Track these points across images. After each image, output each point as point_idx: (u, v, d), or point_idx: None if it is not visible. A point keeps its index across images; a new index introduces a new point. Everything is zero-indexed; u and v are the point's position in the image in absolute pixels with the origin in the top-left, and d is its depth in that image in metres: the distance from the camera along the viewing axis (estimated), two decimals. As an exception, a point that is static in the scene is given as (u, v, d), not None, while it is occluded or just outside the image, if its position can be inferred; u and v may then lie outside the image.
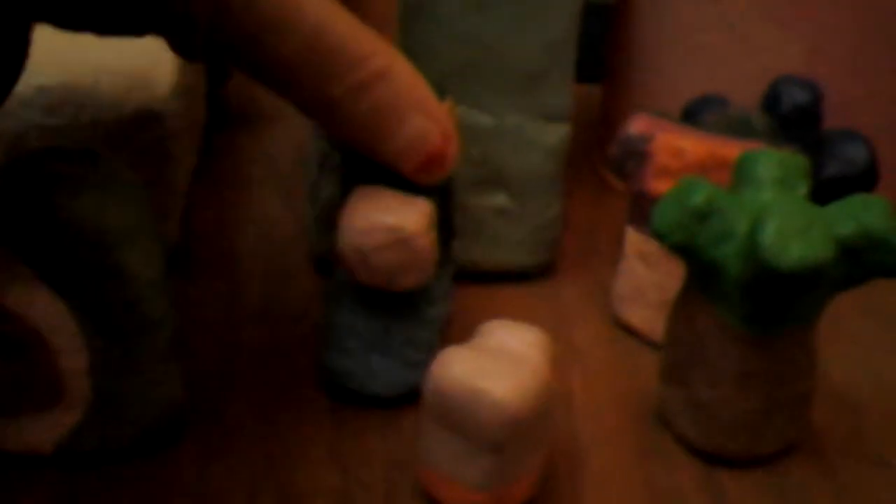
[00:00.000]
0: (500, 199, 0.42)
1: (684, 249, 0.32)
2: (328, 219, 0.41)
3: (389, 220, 0.31)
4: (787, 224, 0.30)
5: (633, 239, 0.39)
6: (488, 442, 0.29)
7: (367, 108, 0.28)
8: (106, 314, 0.30)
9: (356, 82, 0.27)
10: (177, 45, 0.27)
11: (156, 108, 0.38)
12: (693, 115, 0.42)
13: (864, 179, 0.41)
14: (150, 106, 0.38)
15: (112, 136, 0.38)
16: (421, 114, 0.29)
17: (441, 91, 0.33)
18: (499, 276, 0.43)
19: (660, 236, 0.32)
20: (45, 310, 0.30)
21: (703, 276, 0.33)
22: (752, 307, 0.31)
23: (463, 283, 0.42)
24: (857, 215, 0.31)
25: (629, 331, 0.40)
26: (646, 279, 0.39)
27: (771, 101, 0.42)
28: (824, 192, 0.42)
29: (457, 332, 0.39)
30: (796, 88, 0.41)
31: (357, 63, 0.27)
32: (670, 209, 0.32)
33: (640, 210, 0.38)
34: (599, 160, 0.53)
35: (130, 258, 0.30)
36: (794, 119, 0.41)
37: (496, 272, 0.43)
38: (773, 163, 0.33)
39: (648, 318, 0.39)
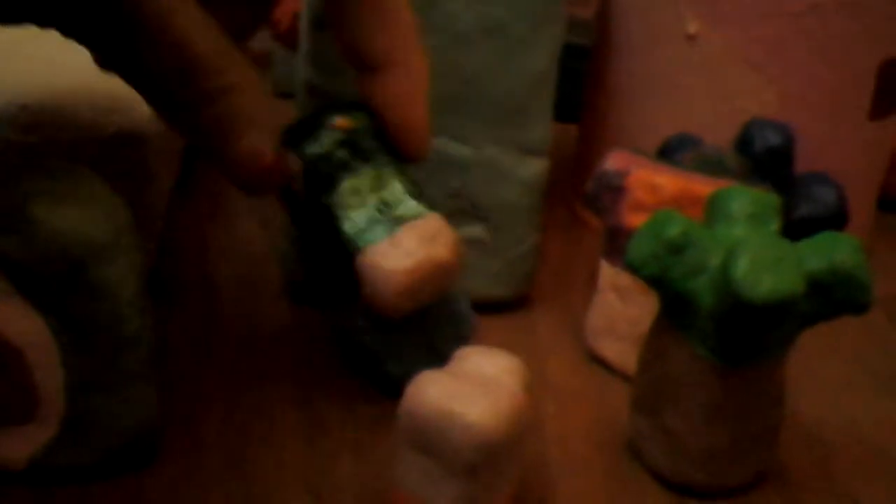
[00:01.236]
0: (476, 231, 0.42)
1: (658, 281, 0.33)
2: (303, 246, 0.41)
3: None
4: (759, 258, 0.31)
5: (608, 273, 0.40)
6: (462, 465, 0.30)
7: (210, 117, 0.30)
8: (84, 330, 0.30)
9: (203, 92, 0.29)
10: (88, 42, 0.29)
11: (136, 131, 0.38)
12: (668, 153, 0.43)
13: (834, 221, 0.42)
14: (131, 128, 0.38)
15: (92, 157, 0.38)
16: (258, 132, 0.31)
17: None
18: (474, 307, 0.43)
19: (634, 268, 0.33)
20: (22, 325, 0.30)
21: (675, 309, 0.33)
22: (724, 339, 0.32)
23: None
24: (826, 251, 0.32)
25: (602, 363, 0.41)
26: (619, 313, 0.40)
27: (744, 142, 0.42)
28: (795, 232, 0.42)
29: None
30: (769, 131, 0.42)
31: (208, 75, 0.29)
32: (645, 241, 0.33)
33: (615, 244, 0.39)
34: (574, 197, 0.53)
35: (109, 275, 0.30)
36: (766, 160, 0.42)
37: (471, 303, 0.43)
38: (746, 199, 0.33)
39: (621, 351, 0.40)
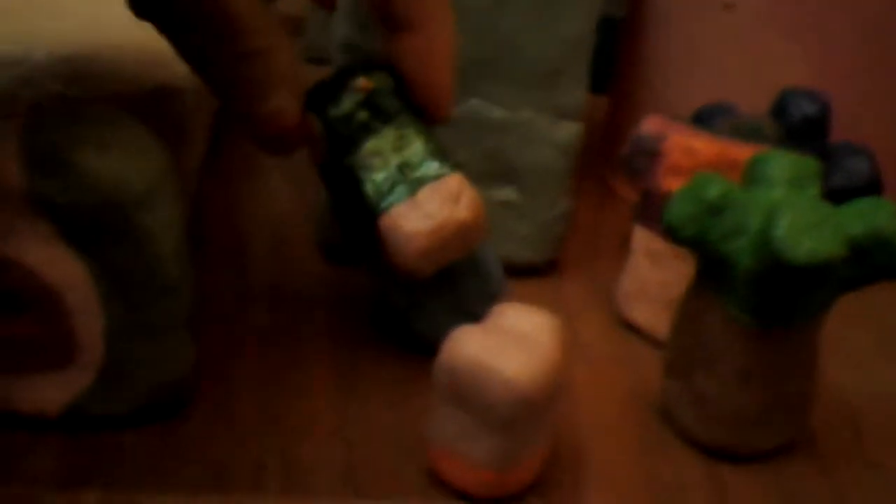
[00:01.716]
0: (508, 193, 0.42)
1: (696, 243, 0.33)
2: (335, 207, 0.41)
3: None
4: (800, 220, 0.31)
5: (641, 236, 0.40)
6: (498, 420, 0.30)
7: (242, 76, 0.31)
8: (124, 276, 0.30)
9: (238, 52, 0.30)
10: None
11: (175, 86, 0.38)
12: (702, 122, 0.43)
13: (867, 191, 0.42)
14: (170, 83, 0.38)
15: (131, 110, 0.38)
16: (284, 93, 0.31)
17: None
18: (504, 270, 0.43)
19: (673, 230, 0.33)
20: (63, 269, 0.30)
21: (713, 271, 0.33)
22: (761, 301, 0.32)
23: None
24: (867, 216, 0.32)
25: (632, 328, 0.41)
26: (651, 277, 0.40)
27: (779, 111, 0.42)
28: (828, 202, 0.42)
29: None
30: (804, 100, 0.42)
31: (244, 35, 0.30)
32: (685, 203, 0.33)
33: (650, 208, 0.39)
34: (605, 167, 0.53)
35: (150, 222, 0.30)
36: (801, 129, 0.42)
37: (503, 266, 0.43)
38: (785, 164, 0.33)
39: (653, 315, 0.40)
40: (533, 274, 0.44)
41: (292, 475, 0.32)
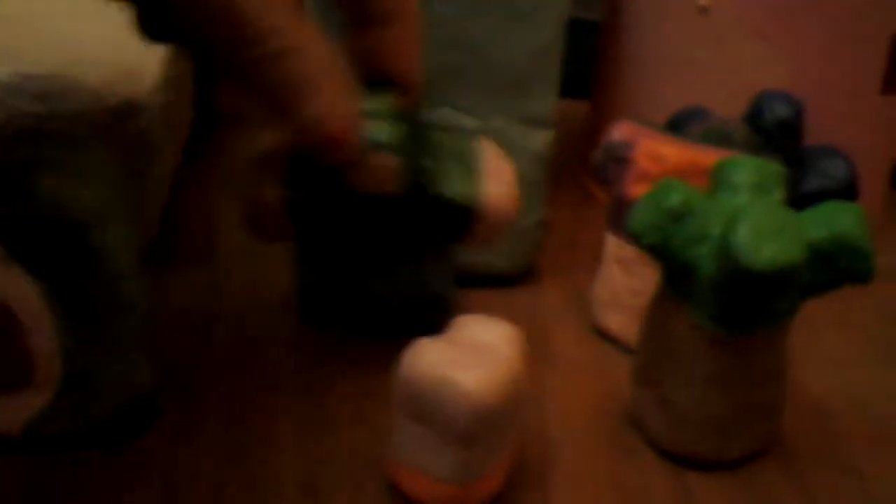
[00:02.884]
0: (481, 203, 0.42)
1: (659, 250, 0.32)
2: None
3: None
4: (761, 226, 0.30)
5: (613, 244, 0.40)
6: (457, 433, 0.29)
7: (272, 81, 0.29)
8: (78, 295, 0.30)
9: (260, 55, 0.28)
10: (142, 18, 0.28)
11: (139, 101, 0.38)
12: (678, 126, 0.43)
13: (844, 194, 0.42)
14: (135, 99, 0.38)
15: (96, 127, 0.38)
16: (324, 98, 0.29)
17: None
18: (479, 280, 0.43)
19: (635, 237, 0.33)
20: (17, 289, 0.30)
21: (676, 278, 0.33)
22: (725, 308, 0.32)
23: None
24: (830, 221, 0.32)
25: (606, 336, 0.40)
26: (623, 284, 0.39)
27: (754, 115, 0.42)
28: (804, 205, 0.42)
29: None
30: (779, 103, 0.42)
31: (259, 38, 0.28)
32: (647, 210, 0.32)
33: (620, 215, 0.39)
34: (584, 172, 0.53)
35: (104, 241, 0.30)
36: (776, 133, 0.42)
37: (476, 276, 0.43)
38: (749, 169, 0.33)
39: (625, 322, 0.39)
40: (510, 283, 0.43)
41: (253, 492, 0.32)
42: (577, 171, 0.54)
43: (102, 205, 0.30)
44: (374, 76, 0.34)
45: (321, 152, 0.31)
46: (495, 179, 0.36)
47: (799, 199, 0.42)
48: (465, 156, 0.36)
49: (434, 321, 0.37)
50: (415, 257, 0.37)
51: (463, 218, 0.35)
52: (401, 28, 0.34)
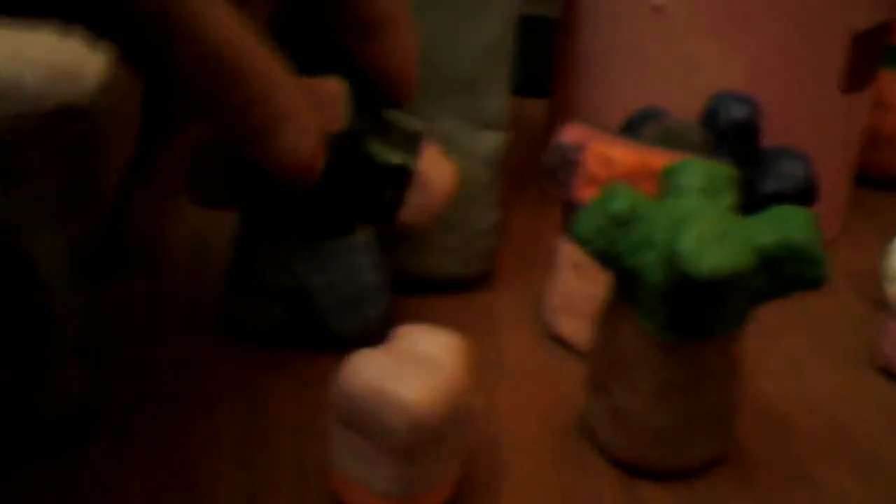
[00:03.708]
0: (433, 207, 0.41)
1: (605, 256, 0.32)
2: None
3: None
4: (706, 231, 0.30)
5: (566, 249, 0.39)
6: (395, 446, 0.29)
7: (245, 122, 0.29)
8: (8, 305, 0.29)
9: (239, 101, 0.29)
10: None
11: (80, 104, 0.37)
12: (633, 128, 0.42)
13: (803, 196, 0.41)
14: (75, 101, 0.37)
15: (35, 130, 0.37)
16: (294, 129, 0.30)
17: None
18: (431, 285, 0.42)
19: (581, 242, 0.32)
20: (-58, 301, 0.29)
21: (624, 284, 0.32)
22: (672, 315, 0.31)
23: (393, 291, 0.42)
24: (779, 226, 0.31)
25: (560, 341, 0.40)
26: (577, 290, 0.39)
27: (709, 116, 0.41)
28: (762, 208, 0.41)
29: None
30: (734, 104, 0.41)
31: (244, 84, 0.28)
32: (592, 215, 0.32)
33: (571, 219, 0.38)
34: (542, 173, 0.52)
35: (33, 250, 0.29)
36: (731, 134, 0.41)
37: (429, 281, 0.42)
38: (698, 172, 0.32)
39: (579, 328, 0.39)
40: (463, 288, 0.43)
41: (193, 503, 0.31)
42: (536, 173, 0.53)
43: (34, 210, 0.29)
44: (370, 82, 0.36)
45: (286, 182, 0.31)
46: (433, 158, 0.37)
47: (756, 202, 0.41)
48: (409, 136, 0.37)
49: (368, 326, 0.37)
50: (346, 229, 0.37)
51: (396, 181, 0.36)
52: (397, 32, 0.34)
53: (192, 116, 0.30)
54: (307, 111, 0.31)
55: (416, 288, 0.42)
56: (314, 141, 0.31)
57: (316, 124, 0.31)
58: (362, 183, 0.36)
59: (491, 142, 0.40)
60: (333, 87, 0.35)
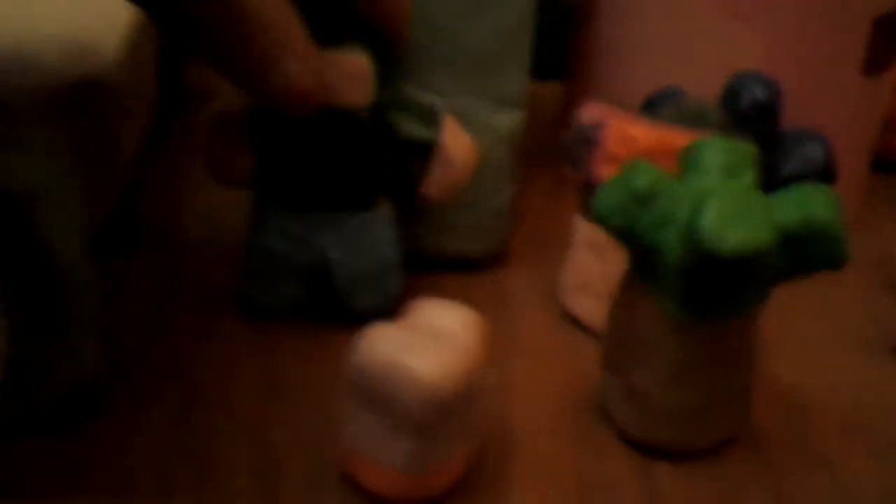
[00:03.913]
0: (449, 184, 0.41)
1: (624, 233, 0.31)
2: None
3: None
4: (728, 209, 0.29)
5: (582, 228, 0.39)
6: (411, 421, 0.28)
7: (251, 54, 0.30)
8: (21, 276, 0.29)
9: (245, 32, 0.30)
10: None
11: (101, 78, 0.37)
12: (653, 107, 0.42)
13: (822, 178, 0.41)
14: (96, 75, 0.37)
15: (56, 103, 0.37)
16: (294, 58, 0.31)
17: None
18: (446, 264, 0.42)
19: (601, 219, 0.32)
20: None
21: (643, 262, 0.32)
22: (692, 294, 0.31)
23: (408, 270, 0.42)
24: (801, 204, 0.31)
25: (575, 321, 0.40)
26: (593, 269, 0.38)
27: (730, 96, 0.41)
28: (780, 190, 0.41)
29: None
30: (756, 85, 0.41)
31: (249, 15, 0.30)
32: (613, 192, 0.31)
33: (590, 198, 0.38)
34: (558, 155, 0.52)
35: (49, 221, 0.29)
36: (752, 115, 0.41)
37: (443, 259, 0.42)
38: (719, 150, 0.32)
39: (595, 308, 0.39)
40: (479, 267, 0.43)
41: (203, 480, 0.31)
42: (552, 155, 0.53)
43: (51, 183, 0.29)
44: (360, 23, 0.36)
45: (289, 110, 0.32)
46: (454, 133, 0.37)
47: (777, 184, 0.41)
48: (430, 111, 0.37)
49: (387, 301, 0.37)
50: (367, 202, 0.37)
51: (420, 154, 0.36)
52: None
53: (196, 50, 0.30)
54: (305, 43, 0.32)
55: (431, 266, 0.42)
56: (313, 68, 0.32)
57: (313, 54, 0.32)
58: (387, 156, 0.36)
59: (509, 120, 0.40)
60: (360, 62, 0.35)
